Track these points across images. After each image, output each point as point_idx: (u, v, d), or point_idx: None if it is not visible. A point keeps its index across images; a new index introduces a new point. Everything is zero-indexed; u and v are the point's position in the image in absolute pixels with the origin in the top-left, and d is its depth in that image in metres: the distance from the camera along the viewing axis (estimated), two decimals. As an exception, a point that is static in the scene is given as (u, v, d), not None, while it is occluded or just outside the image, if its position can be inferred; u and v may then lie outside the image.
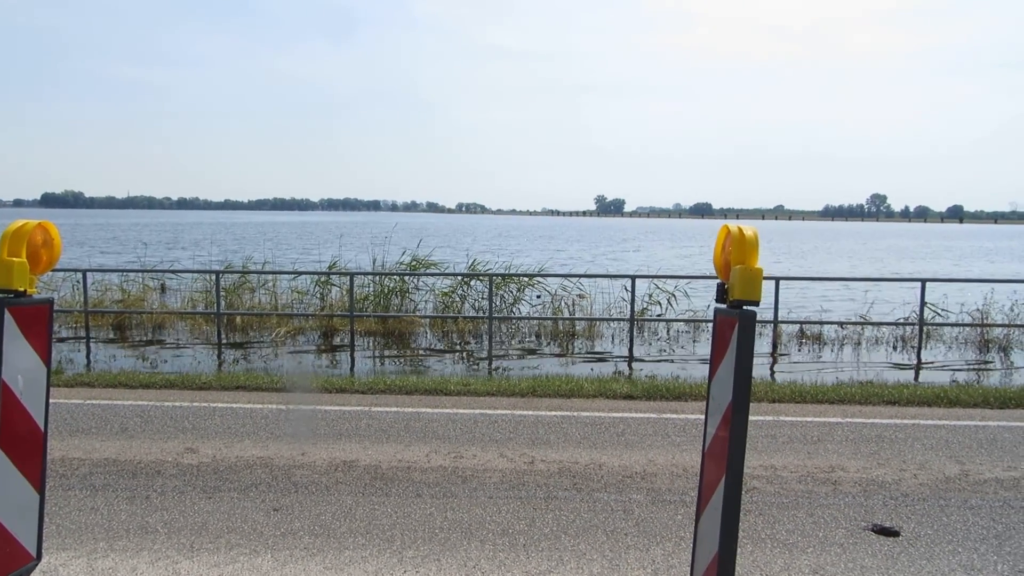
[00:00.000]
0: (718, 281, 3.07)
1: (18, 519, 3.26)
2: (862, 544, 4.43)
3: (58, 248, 3.30)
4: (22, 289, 3.10)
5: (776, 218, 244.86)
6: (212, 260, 25.06)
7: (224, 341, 13.10)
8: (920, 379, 10.87)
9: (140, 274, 16.21)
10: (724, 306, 2.99)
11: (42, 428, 3.34)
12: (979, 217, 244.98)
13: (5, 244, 3.05)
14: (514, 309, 15.11)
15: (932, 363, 12.13)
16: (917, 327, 12.47)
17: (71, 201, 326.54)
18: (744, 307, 2.90)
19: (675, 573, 4.04)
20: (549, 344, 13.38)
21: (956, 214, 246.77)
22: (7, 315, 3.07)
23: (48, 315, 3.32)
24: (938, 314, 14.00)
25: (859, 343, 13.34)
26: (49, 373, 3.36)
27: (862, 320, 13.73)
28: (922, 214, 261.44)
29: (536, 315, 14.71)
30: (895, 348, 13.13)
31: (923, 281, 12.06)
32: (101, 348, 12.66)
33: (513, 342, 13.53)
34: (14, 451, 3.19)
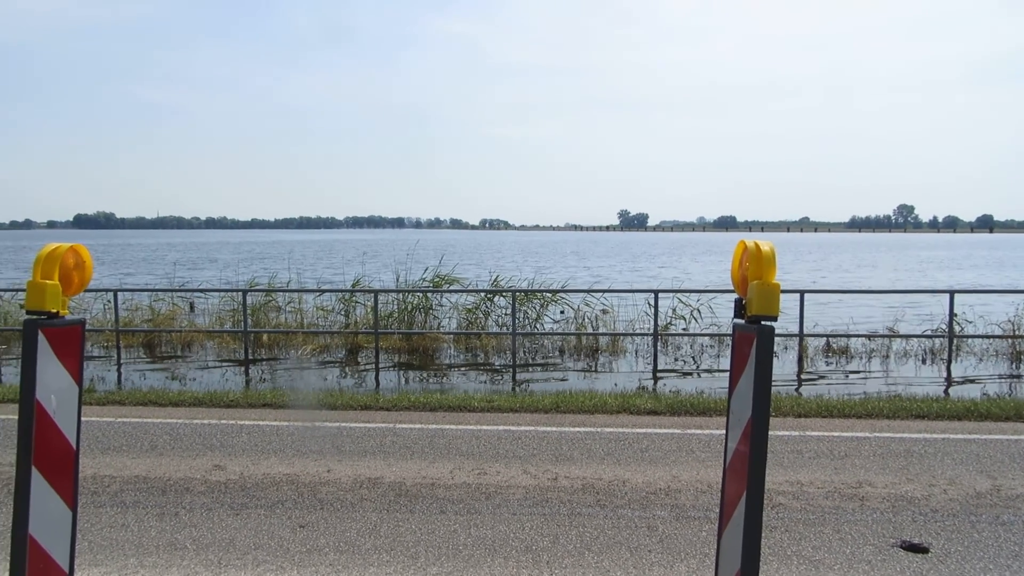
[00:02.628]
0: (736, 296, 3.08)
1: (51, 535, 3.33)
2: (890, 561, 4.38)
3: (89, 270, 3.38)
4: (55, 311, 3.18)
5: (801, 230, 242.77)
6: (239, 279, 25.40)
7: (251, 359, 13.25)
8: (950, 392, 10.71)
9: (169, 293, 16.45)
10: (742, 321, 3.00)
11: (74, 446, 3.41)
12: (1010, 226, 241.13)
13: (38, 267, 3.13)
14: (537, 325, 15.13)
15: (962, 376, 11.94)
16: (947, 339, 12.30)
17: (103, 222, 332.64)
18: (763, 322, 2.90)
19: (699, 590, 4.03)
20: (573, 358, 13.36)
21: (986, 224, 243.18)
22: (40, 336, 3.16)
23: (80, 336, 3.40)
24: (962, 327, 13.78)
25: (887, 356, 13.17)
26: (81, 392, 3.44)
27: (890, 333, 13.56)
28: (951, 224, 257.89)
29: (559, 330, 14.72)
30: (924, 361, 12.95)
31: (952, 292, 11.91)
32: (132, 366, 12.86)
33: (536, 358, 13.53)
34: (47, 468, 3.26)
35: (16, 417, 3.20)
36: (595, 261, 51.69)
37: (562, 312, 15.38)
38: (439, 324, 15.02)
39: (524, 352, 13.81)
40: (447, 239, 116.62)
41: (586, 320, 14.80)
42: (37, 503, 3.21)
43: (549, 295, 15.47)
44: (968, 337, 13.30)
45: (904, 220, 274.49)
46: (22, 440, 3.16)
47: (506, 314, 14.83)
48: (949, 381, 11.57)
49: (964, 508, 5.19)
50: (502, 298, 15.18)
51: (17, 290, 15.38)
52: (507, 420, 7.69)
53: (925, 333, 13.49)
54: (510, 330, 13.30)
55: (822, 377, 11.82)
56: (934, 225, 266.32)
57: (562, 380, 11.67)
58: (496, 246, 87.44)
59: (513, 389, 11.01)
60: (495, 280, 17.13)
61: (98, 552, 4.47)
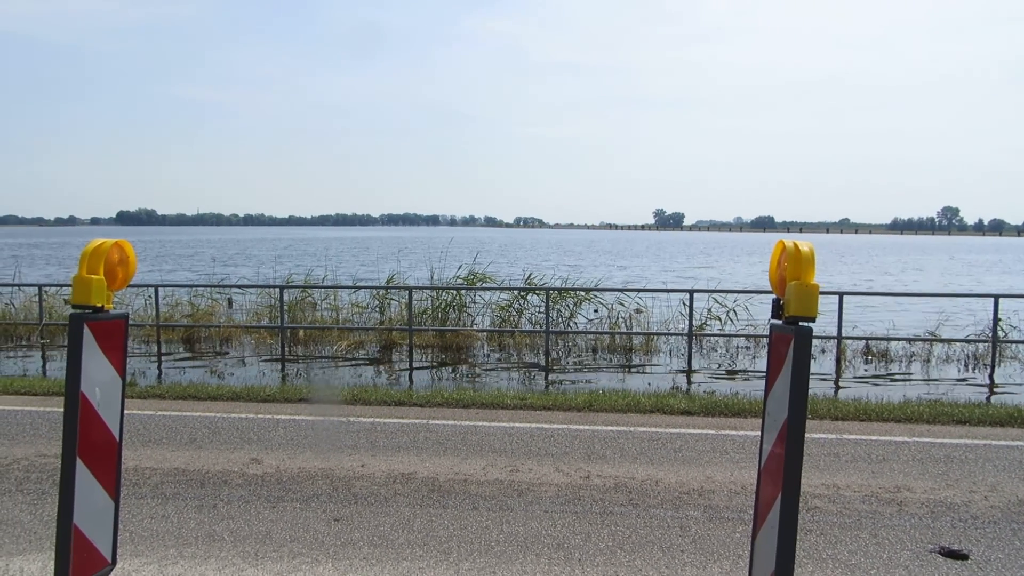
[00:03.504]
0: (773, 297, 3.05)
1: (95, 525, 3.42)
2: (928, 567, 4.31)
3: (133, 266, 3.46)
4: (100, 305, 3.26)
5: (841, 231, 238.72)
6: (277, 275, 25.75)
7: (287, 354, 13.43)
8: (992, 398, 10.48)
9: (208, 289, 16.73)
10: (780, 322, 2.98)
11: (117, 438, 3.50)
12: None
13: (84, 262, 3.22)
14: (571, 323, 15.11)
15: (1006, 382, 11.67)
16: (990, 344, 12.03)
17: (144, 219, 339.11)
18: (800, 323, 2.88)
19: (732, 592, 4.00)
20: (606, 357, 13.33)
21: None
22: (86, 330, 3.24)
23: (124, 330, 3.48)
24: (1006, 332, 13.45)
25: (928, 360, 12.92)
26: (124, 385, 3.52)
27: (931, 336, 13.30)
28: (997, 227, 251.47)
29: (593, 329, 14.69)
30: (967, 366, 12.67)
31: (996, 297, 11.65)
32: (171, 361, 13.10)
33: (570, 357, 13.51)
34: (91, 459, 3.34)
35: (61, 409, 3.29)
36: (634, 260, 51.42)
37: (596, 311, 15.34)
38: (472, 321, 15.08)
39: (557, 351, 13.80)
40: (481, 237, 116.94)
41: (620, 319, 14.75)
42: (81, 493, 3.30)
43: (583, 293, 15.44)
44: (1013, 343, 13.00)
45: (948, 222, 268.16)
46: (67, 432, 3.25)
47: (539, 312, 14.84)
48: (992, 387, 11.31)
49: (1005, 515, 5.08)
50: (536, 296, 15.19)
51: (62, 285, 15.75)
52: (540, 418, 7.70)
53: (968, 338, 13.20)
54: (543, 328, 13.31)
55: (860, 380, 11.63)
56: (979, 228, 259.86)
57: (595, 379, 11.64)
58: (531, 244, 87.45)
59: (546, 387, 11.02)
60: (528, 278, 17.15)
61: (139, 542, 4.57)
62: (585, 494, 5.43)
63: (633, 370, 12.52)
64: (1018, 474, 5.92)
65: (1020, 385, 11.37)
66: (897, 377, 11.85)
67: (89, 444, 3.32)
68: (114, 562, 3.56)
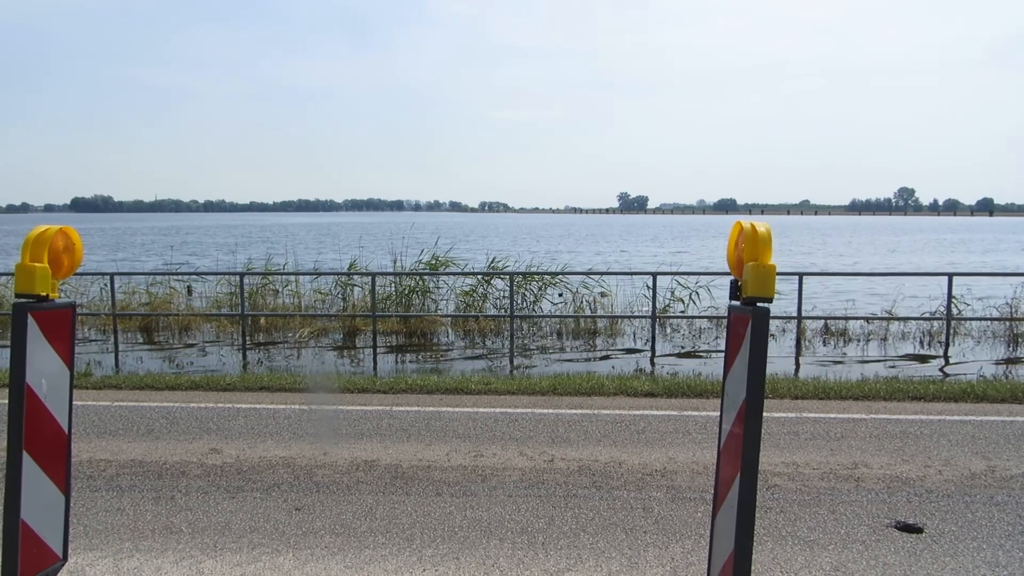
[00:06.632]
0: (731, 278, 3.06)
1: (44, 520, 3.33)
2: (885, 541, 4.39)
3: (79, 253, 3.35)
4: (44, 294, 3.15)
5: (802, 213, 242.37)
6: (237, 262, 25.32)
7: (248, 342, 13.24)
8: (947, 374, 10.72)
9: (166, 277, 16.41)
10: (737, 303, 2.98)
11: (66, 430, 3.40)
12: (1010, 210, 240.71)
13: (27, 250, 3.11)
14: (535, 307, 15.12)
15: (960, 358, 11.95)
16: (944, 322, 12.30)
17: (100, 205, 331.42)
18: (757, 304, 2.88)
19: (693, 571, 4.03)
20: (571, 341, 13.36)
21: (986, 207, 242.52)
22: (30, 320, 3.13)
23: (71, 319, 3.38)
24: (960, 310, 13.76)
25: (885, 338, 13.18)
26: (72, 376, 3.42)
27: (888, 315, 13.56)
28: (951, 207, 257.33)
29: (558, 313, 14.71)
30: (922, 343, 12.96)
31: (950, 275, 11.89)
32: (129, 350, 12.84)
33: (534, 341, 13.52)
34: (39, 453, 3.25)
35: (7, 402, 3.18)
36: (606, 245, 51.45)
37: (560, 295, 15.37)
38: (437, 307, 15.01)
39: (522, 335, 13.80)
40: (446, 222, 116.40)
41: (584, 303, 14.79)
42: (29, 488, 3.20)
43: (548, 277, 15.45)
44: (966, 320, 13.31)
45: (905, 203, 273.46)
46: (12, 425, 3.15)
47: (504, 297, 14.82)
48: (946, 363, 11.58)
49: (959, 489, 5.20)
50: (500, 280, 15.16)
51: (10, 275, 15.34)
52: (504, 402, 7.69)
53: (923, 316, 13.49)
54: (508, 313, 13.29)
55: (820, 359, 11.82)
56: (934, 208, 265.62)
57: (560, 363, 11.67)
58: (498, 228, 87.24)
59: (510, 372, 11.01)
60: (492, 262, 17.10)
61: (93, 536, 4.47)
62: (549, 478, 5.44)
63: (598, 353, 12.57)
64: (971, 448, 6.07)
65: (973, 361, 11.65)
66: (855, 355, 12.07)
67: (36, 437, 3.23)
68: (65, 557, 3.47)
